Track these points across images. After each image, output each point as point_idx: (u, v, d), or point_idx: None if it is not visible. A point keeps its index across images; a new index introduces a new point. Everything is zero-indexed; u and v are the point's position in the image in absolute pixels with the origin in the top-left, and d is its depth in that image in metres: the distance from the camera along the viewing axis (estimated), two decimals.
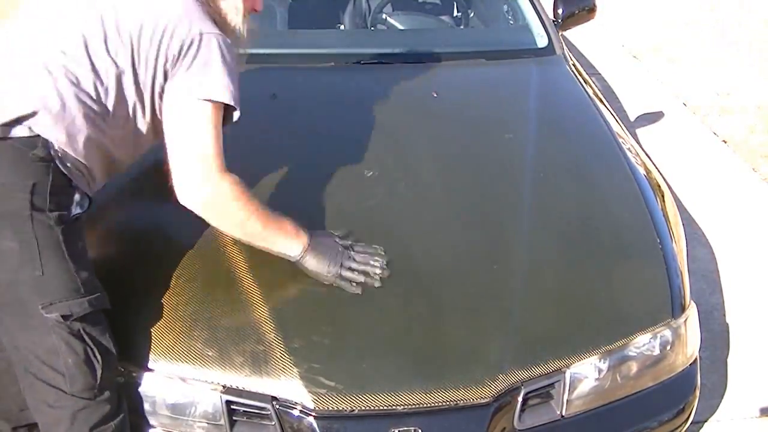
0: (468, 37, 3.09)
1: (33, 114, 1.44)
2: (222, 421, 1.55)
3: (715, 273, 3.05)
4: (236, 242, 1.74)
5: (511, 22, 3.03)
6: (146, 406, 1.57)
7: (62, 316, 1.43)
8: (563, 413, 1.64)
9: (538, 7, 2.88)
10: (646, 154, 2.45)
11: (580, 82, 2.56)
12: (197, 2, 1.57)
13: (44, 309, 1.43)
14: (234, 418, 1.56)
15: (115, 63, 1.51)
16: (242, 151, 2.07)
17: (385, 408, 1.52)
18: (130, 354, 1.58)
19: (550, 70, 2.63)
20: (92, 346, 1.48)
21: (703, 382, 1.93)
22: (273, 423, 1.54)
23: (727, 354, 2.64)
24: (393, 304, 1.65)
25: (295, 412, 1.52)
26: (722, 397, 2.46)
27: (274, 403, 1.53)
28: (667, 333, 1.74)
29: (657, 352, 1.72)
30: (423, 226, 1.86)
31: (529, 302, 1.70)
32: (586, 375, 1.65)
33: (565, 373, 1.62)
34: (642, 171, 2.16)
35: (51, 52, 1.48)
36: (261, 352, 1.56)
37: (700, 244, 3.21)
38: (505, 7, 3.09)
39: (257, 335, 1.58)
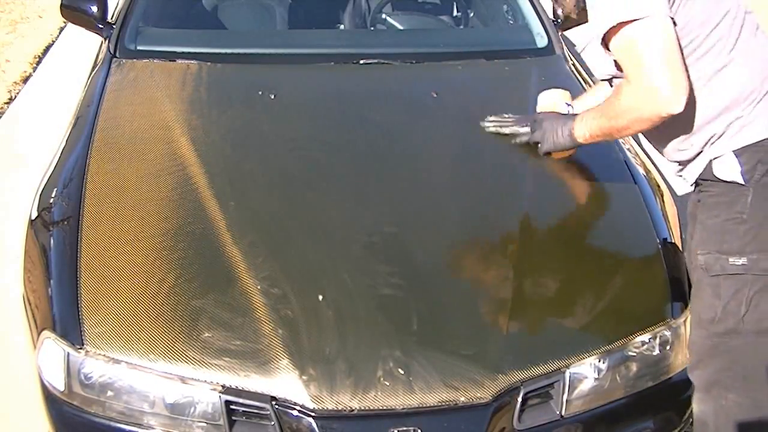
0: (468, 37, 3.08)
1: None
2: (221, 421, 1.55)
3: None
4: (235, 242, 1.75)
5: (511, 22, 3.03)
6: (145, 406, 1.57)
7: None
8: (563, 413, 1.64)
9: (538, 7, 2.88)
10: (646, 154, 2.45)
11: (580, 82, 2.56)
12: None
13: None
14: (233, 418, 1.56)
15: None
16: (241, 151, 2.08)
17: (385, 408, 1.52)
18: (129, 354, 1.57)
19: (550, 70, 2.63)
20: None
21: None
22: (272, 423, 1.53)
23: None
24: (393, 304, 1.65)
25: (294, 412, 1.52)
26: None
27: (274, 403, 1.53)
28: (667, 333, 1.74)
29: (656, 351, 1.72)
30: (423, 226, 1.87)
31: (529, 302, 1.71)
32: (585, 375, 1.65)
33: (564, 373, 1.62)
34: (642, 171, 2.16)
35: None
36: (260, 352, 1.56)
37: None
38: (505, 7, 3.09)
39: (256, 335, 1.58)
